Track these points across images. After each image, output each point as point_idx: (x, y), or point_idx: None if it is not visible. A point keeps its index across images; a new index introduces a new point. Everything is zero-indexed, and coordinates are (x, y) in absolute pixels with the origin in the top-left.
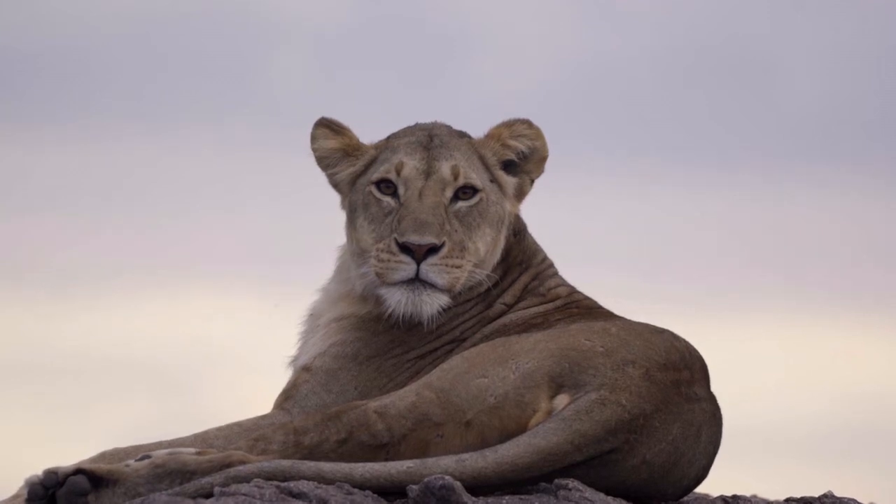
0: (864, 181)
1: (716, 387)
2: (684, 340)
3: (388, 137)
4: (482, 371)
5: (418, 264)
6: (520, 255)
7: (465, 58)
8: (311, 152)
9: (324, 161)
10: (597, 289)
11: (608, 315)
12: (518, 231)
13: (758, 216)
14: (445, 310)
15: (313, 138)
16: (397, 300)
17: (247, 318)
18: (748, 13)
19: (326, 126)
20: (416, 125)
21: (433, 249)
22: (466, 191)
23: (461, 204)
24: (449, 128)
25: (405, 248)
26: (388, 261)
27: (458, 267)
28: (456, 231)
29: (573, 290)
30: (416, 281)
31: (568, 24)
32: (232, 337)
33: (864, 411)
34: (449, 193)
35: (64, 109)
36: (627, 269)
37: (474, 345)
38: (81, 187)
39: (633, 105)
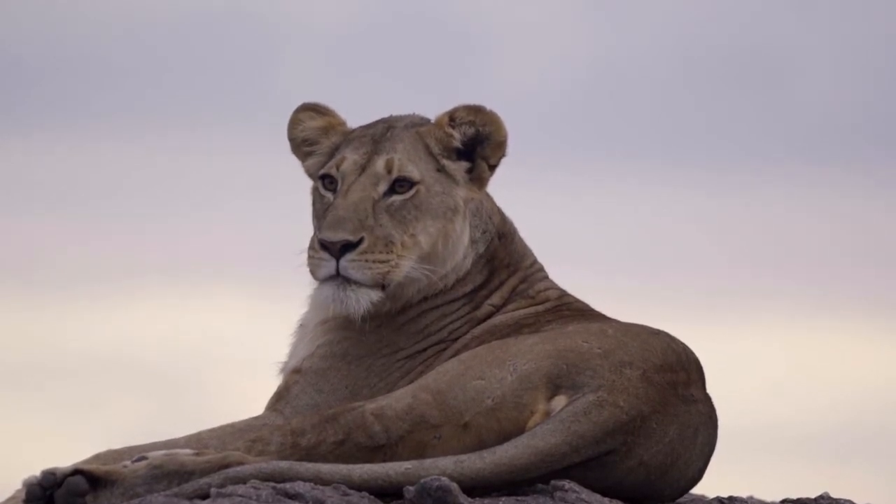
0: (864, 182)
1: (712, 388)
2: (680, 342)
3: (357, 128)
4: (479, 373)
5: (337, 261)
6: (507, 258)
7: (475, 58)
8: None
9: (303, 145)
10: (592, 291)
11: (601, 317)
12: (504, 234)
13: (756, 217)
14: (428, 304)
15: (296, 122)
16: (325, 296)
17: (246, 319)
18: (747, 16)
19: (311, 109)
20: (388, 117)
21: (349, 246)
22: (403, 184)
23: (395, 198)
24: (412, 118)
25: (323, 246)
26: (313, 257)
27: (382, 262)
28: (381, 226)
29: (564, 293)
30: (339, 277)
31: (568, 25)
32: (231, 338)
33: (861, 412)
34: (382, 188)
35: (65, 110)
36: (625, 270)
37: (466, 346)
38: (81, 188)
39: (643, 106)
